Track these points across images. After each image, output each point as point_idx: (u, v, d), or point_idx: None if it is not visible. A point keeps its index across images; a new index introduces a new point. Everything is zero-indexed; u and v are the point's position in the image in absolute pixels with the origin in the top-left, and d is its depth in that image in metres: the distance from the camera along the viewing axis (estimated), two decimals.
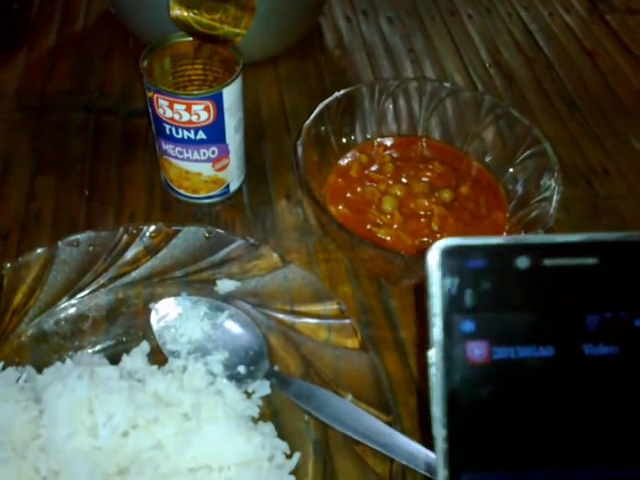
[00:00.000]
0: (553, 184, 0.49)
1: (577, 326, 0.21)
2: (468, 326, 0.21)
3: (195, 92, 0.49)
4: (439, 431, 0.21)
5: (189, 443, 0.38)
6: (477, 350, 0.21)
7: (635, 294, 0.22)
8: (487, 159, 0.57)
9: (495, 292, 0.21)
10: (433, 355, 0.21)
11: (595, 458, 0.21)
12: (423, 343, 0.47)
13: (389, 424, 0.39)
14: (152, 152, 0.58)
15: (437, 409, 0.21)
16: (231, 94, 0.49)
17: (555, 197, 0.48)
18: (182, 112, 0.49)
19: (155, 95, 0.49)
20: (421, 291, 0.49)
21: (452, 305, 0.21)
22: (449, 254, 0.21)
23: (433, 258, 0.21)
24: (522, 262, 0.21)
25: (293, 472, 0.39)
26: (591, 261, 0.21)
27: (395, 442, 0.37)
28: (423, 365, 0.40)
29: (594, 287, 0.22)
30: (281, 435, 0.41)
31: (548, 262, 0.21)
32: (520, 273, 0.21)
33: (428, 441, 0.42)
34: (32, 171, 0.59)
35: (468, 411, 0.21)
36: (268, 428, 0.41)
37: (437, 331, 0.21)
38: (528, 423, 0.21)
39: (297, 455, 0.40)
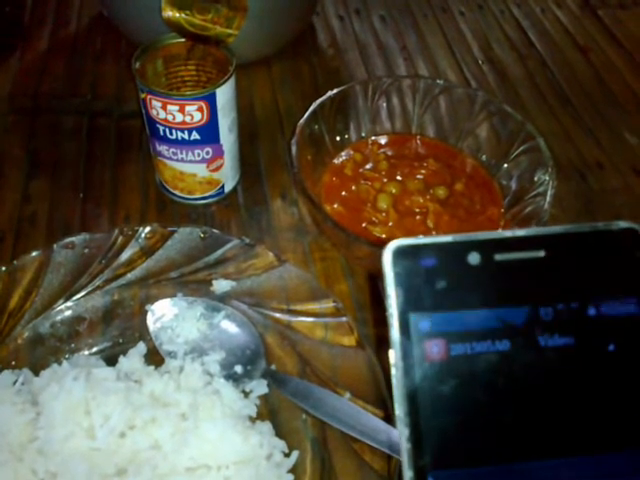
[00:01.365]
0: (547, 179, 0.49)
1: (531, 319, 0.22)
2: (424, 324, 0.21)
3: (188, 93, 0.49)
4: (402, 431, 0.21)
5: (186, 443, 0.38)
6: (434, 348, 0.21)
7: (585, 284, 0.22)
8: (481, 155, 0.57)
9: (449, 289, 0.22)
10: (393, 355, 0.21)
11: (558, 448, 0.22)
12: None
13: (386, 421, 0.39)
14: (146, 154, 0.58)
15: (399, 408, 0.21)
16: (224, 94, 0.49)
17: (549, 192, 0.48)
18: (175, 113, 0.49)
19: (148, 96, 0.49)
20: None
21: (407, 304, 0.21)
22: (401, 254, 0.21)
23: (387, 259, 0.21)
24: (473, 258, 0.22)
25: (291, 470, 0.39)
26: (540, 254, 0.22)
27: (393, 439, 0.37)
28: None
29: (545, 279, 0.22)
30: (279, 434, 0.41)
31: (498, 257, 0.22)
32: (472, 269, 0.22)
33: None
34: (26, 174, 0.59)
35: (429, 409, 0.21)
36: (266, 427, 0.41)
37: (394, 331, 0.21)
38: (490, 418, 0.22)
39: (295, 453, 0.40)
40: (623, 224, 0.22)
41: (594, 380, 0.22)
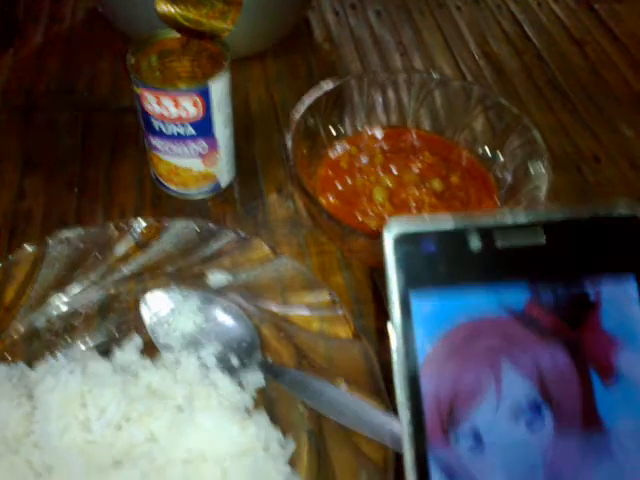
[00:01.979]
0: (543, 171, 0.49)
1: (531, 301, 0.22)
2: (424, 308, 0.21)
3: (183, 87, 0.49)
4: (404, 414, 0.21)
5: (183, 435, 0.38)
6: (435, 331, 0.21)
7: (586, 268, 0.22)
8: (477, 149, 0.57)
9: (449, 272, 0.22)
10: (394, 340, 0.21)
11: (559, 421, 0.22)
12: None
13: (383, 412, 0.39)
14: (142, 149, 0.58)
15: (400, 392, 0.21)
16: (219, 88, 0.49)
17: (545, 185, 0.48)
18: (170, 107, 0.49)
19: (143, 91, 0.49)
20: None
21: (408, 287, 0.21)
22: (403, 240, 0.21)
23: (388, 245, 0.21)
24: (474, 243, 0.22)
25: (288, 462, 0.39)
26: (542, 240, 0.22)
27: (390, 430, 0.37)
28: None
29: (546, 263, 0.22)
30: (276, 425, 0.41)
31: (499, 242, 0.22)
32: (472, 253, 0.22)
33: None
34: (21, 170, 0.59)
35: (431, 392, 0.21)
36: (263, 419, 0.41)
37: (396, 315, 0.21)
38: (491, 400, 0.22)
39: (292, 445, 0.40)
40: (624, 211, 0.22)
41: (592, 362, 0.22)
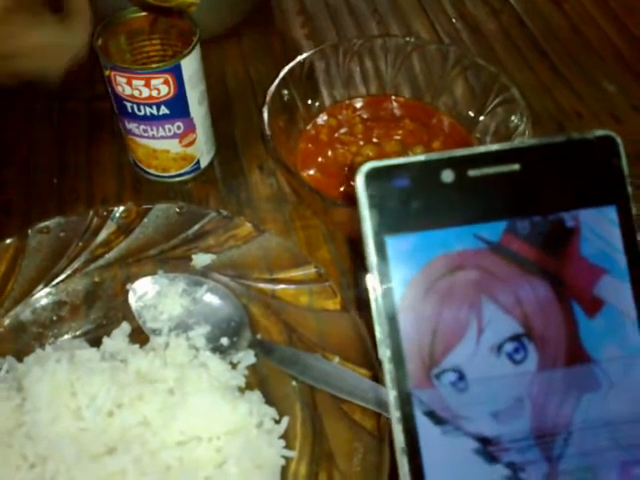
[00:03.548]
0: (523, 127, 0.48)
1: (508, 233, 0.21)
2: (400, 245, 0.21)
3: (153, 66, 0.48)
4: (384, 353, 0.21)
5: (175, 417, 0.37)
6: (411, 268, 0.21)
7: (562, 195, 0.22)
8: (457, 112, 0.56)
9: (424, 209, 0.21)
10: (371, 279, 0.21)
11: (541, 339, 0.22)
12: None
13: (374, 380, 0.39)
14: (119, 134, 0.57)
15: (379, 331, 0.21)
16: (190, 65, 0.48)
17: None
18: (141, 88, 0.48)
19: (112, 73, 0.48)
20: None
21: (383, 226, 0.21)
22: (374, 176, 0.21)
23: (360, 181, 0.21)
24: (447, 176, 0.21)
25: (283, 436, 0.39)
26: (515, 167, 0.21)
27: (381, 397, 0.37)
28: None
29: (521, 193, 0.22)
30: (269, 401, 0.41)
31: (472, 173, 0.21)
32: (446, 187, 0.21)
33: None
34: None
35: (409, 329, 0.21)
36: (255, 396, 0.40)
37: (371, 254, 0.21)
38: (468, 332, 0.21)
39: (286, 419, 0.40)
40: (600, 132, 0.22)
41: (574, 292, 0.22)
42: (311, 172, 0.52)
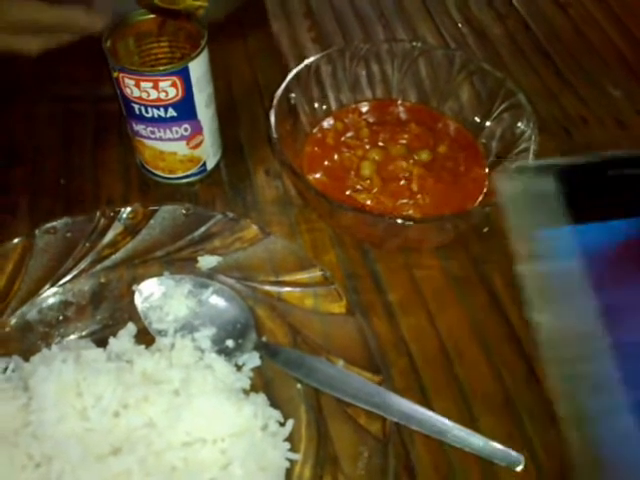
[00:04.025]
0: (529, 133, 0.48)
1: None
2: (552, 240, 0.22)
3: (161, 68, 0.48)
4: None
5: (180, 418, 0.38)
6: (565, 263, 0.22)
7: None
8: (463, 117, 0.56)
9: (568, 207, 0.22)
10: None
11: None
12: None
13: (379, 384, 0.39)
14: (126, 136, 0.57)
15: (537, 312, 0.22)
16: (198, 68, 0.49)
17: (532, 147, 0.48)
18: (149, 90, 0.48)
19: (121, 75, 0.48)
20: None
21: (529, 224, 0.22)
22: (519, 176, 0.22)
23: (504, 182, 0.22)
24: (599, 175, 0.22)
25: (287, 439, 0.39)
26: None
27: (386, 401, 0.38)
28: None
29: None
30: (274, 404, 0.41)
31: (627, 171, 0.23)
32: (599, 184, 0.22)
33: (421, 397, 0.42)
34: (5, 165, 0.58)
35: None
36: (260, 398, 0.41)
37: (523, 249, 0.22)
38: None
39: (290, 422, 0.40)
40: None
41: None
42: (317, 175, 0.52)
